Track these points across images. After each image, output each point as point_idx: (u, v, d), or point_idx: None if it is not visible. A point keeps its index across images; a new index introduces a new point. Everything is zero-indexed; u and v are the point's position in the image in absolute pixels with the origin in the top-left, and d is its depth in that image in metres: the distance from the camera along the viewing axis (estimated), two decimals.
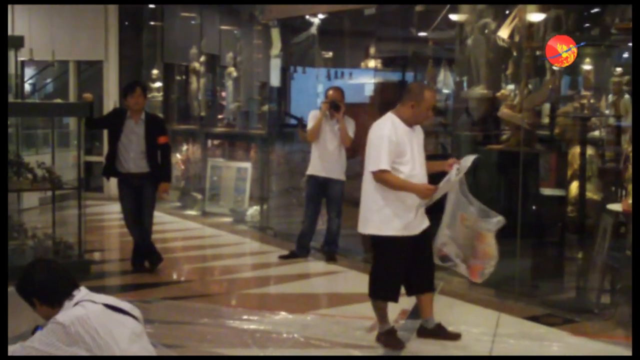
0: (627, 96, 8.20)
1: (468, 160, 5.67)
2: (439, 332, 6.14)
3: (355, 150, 9.47)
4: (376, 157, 5.69)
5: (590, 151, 8.20)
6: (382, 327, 6.05)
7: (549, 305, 7.20)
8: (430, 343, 6.04)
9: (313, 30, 11.77)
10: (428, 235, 5.94)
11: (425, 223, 5.93)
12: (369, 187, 5.87)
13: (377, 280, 5.97)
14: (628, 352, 5.83)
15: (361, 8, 9.49)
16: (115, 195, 8.94)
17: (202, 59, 13.84)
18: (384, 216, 5.78)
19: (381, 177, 5.69)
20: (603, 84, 8.67)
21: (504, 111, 8.15)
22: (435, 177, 5.84)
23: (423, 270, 6.02)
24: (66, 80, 14.50)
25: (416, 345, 6.03)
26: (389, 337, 5.99)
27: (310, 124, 9.00)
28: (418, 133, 5.96)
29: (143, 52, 14.67)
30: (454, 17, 9.29)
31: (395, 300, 5.99)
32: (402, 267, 5.88)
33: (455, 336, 6.13)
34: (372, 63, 12.31)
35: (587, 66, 8.65)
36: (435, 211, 5.88)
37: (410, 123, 5.82)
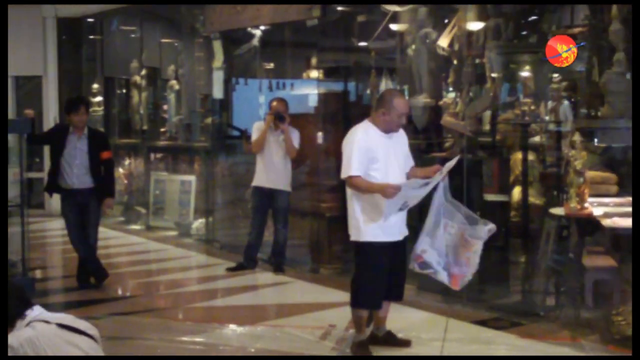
0: (566, 102, 8.37)
1: (451, 162, 5.72)
2: (390, 339, 6.17)
3: (301, 160, 9.50)
4: (346, 164, 5.75)
5: (531, 156, 8.33)
6: (356, 337, 6.05)
7: (495, 309, 7.30)
8: (385, 350, 6.07)
9: (255, 41, 11.77)
10: (404, 244, 5.99)
11: (404, 231, 5.97)
12: (348, 195, 5.91)
13: (359, 287, 5.95)
14: (574, 353, 5.96)
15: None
16: (57, 211, 8.88)
17: (143, 72, 13.77)
18: (362, 222, 5.81)
19: (351, 183, 5.75)
20: (541, 90, 8.81)
21: (446, 119, 8.23)
22: None
23: (396, 278, 6.02)
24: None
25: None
26: (359, 347, 5.98)
27: (254, 136, 9.01)
28: (399, 140, 6.00)
29: (83, 66, 14.53)
30: (394, 26, 9.37)
31: (379, 307, 6.01)
32: (383, 273, 5.87)
33: (406, 343, 6.18)
34: (314, 73, 12.34)
35: (525, 73, 8.79)
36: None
37: (384, 130, 5.85)
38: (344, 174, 5.76)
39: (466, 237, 5.59)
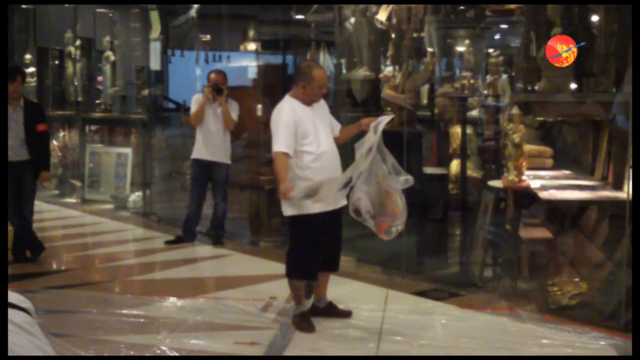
0: (504, 76, 8.47)
1: (384, 118, 5.76)
2: (331, 310, 6.22)
3: (239, 133, 9.47)
4: (276, 140, 5.78)
5: (469, 130, 8.43)
6: (297, 309, 6.08)
7: (434, 280, 7.41)
8: (326, 321, 6.10)
9: (192, 13, 11.65)
10: (340, 213, 6.00)
11: (342, 201, 5.92)
12: None
13: (292, 259, 6.03)
14: (513, 323, 6.07)
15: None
16: None
17: (78, 42, 13.52)
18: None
19: (276, 158, 5.78)
20: (478, 64, 8.90)
21: (387, 92, 8.28)
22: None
23: (331, 249, 6.06)
24: None
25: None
26: (301, 319, 5.99)
27: (193, 108, 8.94)
28: (320, 108, 6.03)
29: (14, 36, 14.19)
30: None
31: (313, 278, 6.07)
32: (316, 244, 5.91)
33: (347, 314, 6.22)
34: (252, 46, 12.29)
35: (463, 47, 8.87)
36: None
37: (307, 103, 5.91)
38: (273, 149, 5.81)
39: (385, 188, 5.64)
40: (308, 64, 6.37)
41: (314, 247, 5.92)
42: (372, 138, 5.64)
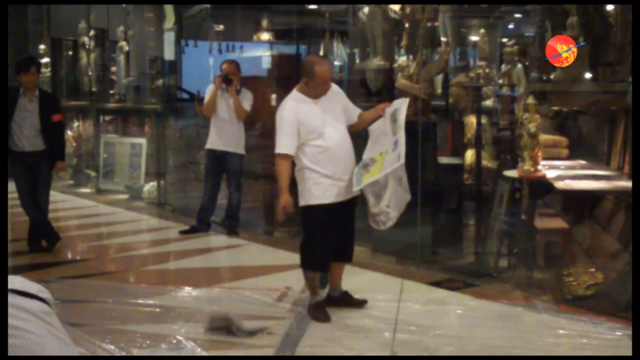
0: (519, 66, 8.43)
1: (400, 103, 5.80)
2: (346, 300, 6.22)
3: (253, 123, 9.47)
4: (278, 140, 5.83)
5: (484, 120, 8.41)
6: (312, 299, 6.08)
7: (449, 270, 7.39)
8: (342, 311, 6.11)
9: (206, 3, 11.64)
10: (352, 206, 6.01)
11: (351, 192, 5.89)
12: (297, 163, 5.96)
13: (304, 250, 6.06)
14: (529, 313, 6.06)
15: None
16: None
17: (92, 33, 13.53)
18: (303, 187, 5.89)
19: (277, 161, 5.85)
20: (492, 54, 8.88)
21: (401, 82, 8.26)
22: None
23: (343, 240, 6.06)
24: None
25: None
26: (317, 309, 5.99)
27: (206, 98, 8.95)
28: (330, 100, 5.94)
29: (29, 27, 14.23)
30: None
31: (325, 270, 6.11)
32: (326, 235, 5.91)
33: (362, 303, 6.22)
34: (265, 36, 12.29)
35: (477, 37, 8.84)
36: None
37: (313, 97, 5.86)
38: (276, 150, 5.85)
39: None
40: (310, 60, 6.24)
41: (324, 238, 5.92)
42: (390, 126, 5.66)
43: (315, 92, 5.84)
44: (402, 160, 5.45)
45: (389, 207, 5.61)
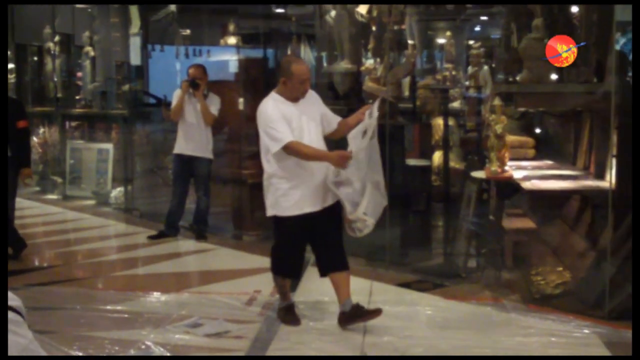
0: (485, 67, 8.49)
1: (376, 104, 5.70)
2: (360, 313, 5.79)
3: (221, 127, 9.43)
4: (273, 136, 5.55)
5: (451, 121, 8.44)
6: (281, 303, 6.05)
7: (419, 271, 7.42)
8: (312, 314, 6.10)
9: (172, 7, 11.59)
10: (332, 213, 5.77)
11: (327, 200, 5.73)
12: (265, 171, 5.78)
13: (275, 255, 5.99)
14: (498, 313, 6.09)
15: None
16: None
17: (57, 38, 13.43)
18: (272, 197, 5.73)
19: (292, 150, 5.53)
20: (459, 56, 8.93)
21: (368, 84, 8.28)
22: None
23: (331, 249, 5.86)
24: None
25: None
26: (287, 313, 5.96)
27: (173, 103, 8.91)
28: (308, 104, 5.80)
29: None
30: None
31: (294, 276, 6.18)
32: (297, 244, 5.86)
33: (377, 312, 5.78)
34: (232, 40, 12.25)
35: (444, 40, 8.89)
36: None
37: (291, 99, 5.71)
38: (276, 147, 5.52)
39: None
40: (288, 59, 6.25)
41: (295, 247, 5.87)
42: (367, 121, 5.58)
43: (293, 93, 5.69)
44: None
45: (366, 214, 5.52)
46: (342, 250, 5.92)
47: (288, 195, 5.65)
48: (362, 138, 5.52)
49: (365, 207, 5.50)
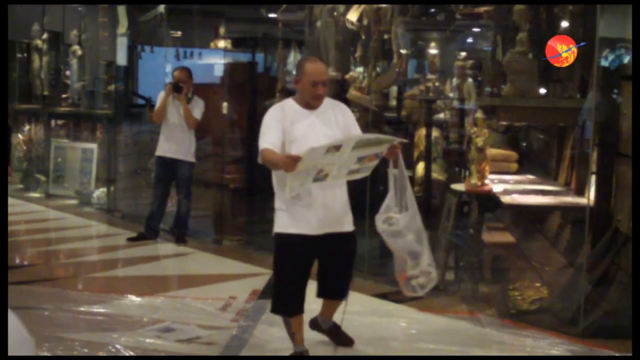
0: (470, 80, 8.46)
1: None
2: (336, 335, 5.57)
3: (205, 131, 9.40)
4: (259, 142, 4.91)
5: (435, 133, 8.42)
6: (294, 347, 5.20)
7: (396, 282, 7.33)
8: None
9: (161, 8, 11.55)
10: (342, 240, 5.14)
11: (333, 226, 5.04)
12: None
13: (275, 290, 5.22)
14: (472, 327, 6.05)
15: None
16: None
17: (45, 36, 13.38)
18: (276, 214, 5.07)
19: (262, 158, 4.85)
20: (447, 67, 8.91)
21: (352, 93, 8.26)
22: None
23: (337, 277, 5.26)
24: None
25: None
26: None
27: (157, 105, 8.87)
28: (328, 116, 5.03)
29: None
30: None
31: (299, 312, 5.12)
32: (298, 272, 5.05)
33: (350, 342, 5.54)
34: (221, 43, 12.22)
35: (432, 50, 8.87)
36: None
37: (304, 104, 5.00)
38: (259, 157, 4.88)
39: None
40: (305, 56, 5.68)
41: (292, 276, 5.06)
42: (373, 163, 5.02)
43: (304, 96, 4.97)
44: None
45: (430, 265, 4.96)
46: (347, 281, 5.35)
47: (285, 210, 4.99)
48: (335, 152, 4.59)
49: (428, 257, 4.98)
